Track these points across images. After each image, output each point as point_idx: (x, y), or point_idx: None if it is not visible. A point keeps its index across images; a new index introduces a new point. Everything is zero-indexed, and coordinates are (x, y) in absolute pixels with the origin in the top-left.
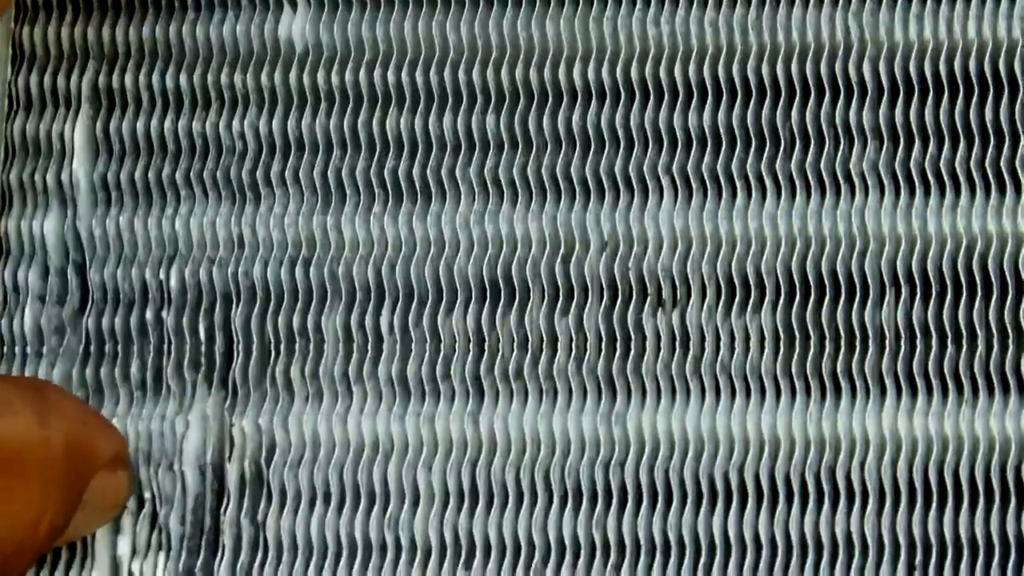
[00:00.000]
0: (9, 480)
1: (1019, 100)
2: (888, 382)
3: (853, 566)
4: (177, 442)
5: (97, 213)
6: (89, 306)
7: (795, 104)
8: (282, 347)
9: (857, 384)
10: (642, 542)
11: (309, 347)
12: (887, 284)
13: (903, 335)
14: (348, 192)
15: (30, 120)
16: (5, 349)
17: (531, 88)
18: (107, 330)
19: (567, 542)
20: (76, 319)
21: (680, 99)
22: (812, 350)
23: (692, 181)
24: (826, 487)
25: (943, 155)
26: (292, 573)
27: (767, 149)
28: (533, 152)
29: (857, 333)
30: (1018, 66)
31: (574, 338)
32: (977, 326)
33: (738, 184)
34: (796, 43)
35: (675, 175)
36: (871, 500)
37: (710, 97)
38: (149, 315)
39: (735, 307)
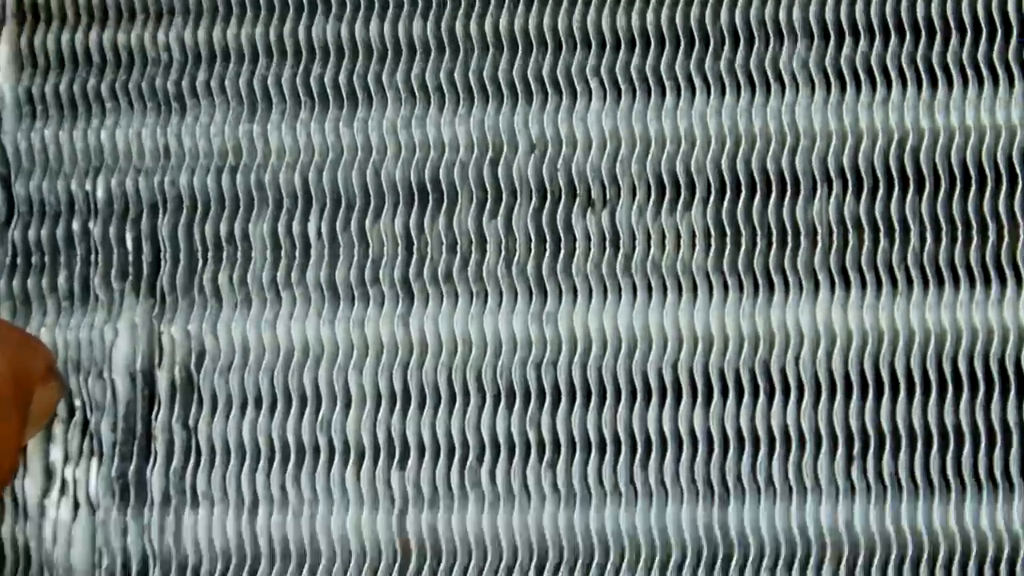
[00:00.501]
0: None
1: None
2: (821, 276)
3: (790, 459)
4: (106, 350)
5: (22, 127)
6: (15, 219)
7: (724, 3)
8: (210, 255)
9: (790, 279)
10: (577, 440)
11: (237, 254)
12: (818, 180)
13: (835, 230)
14: (274, 100)
15: None
16: None
17: None
18: (33, 242)
19: (501, 441)
20: (2, 232)
21: (608, 1)
22: (744, 246)
23: (621, 82)
24: (761, 382)
25: (873, 51)
26: (225, 477)
27: (695, 49)
28: (460, 56)
29: (788, 229)
30: None
31: (503, 240)
32: (910, 220)
33: (667, 84)
34: None
35: (603, 76)
36: (807, 393)
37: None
38: (76, 226)
39: (665, 205)
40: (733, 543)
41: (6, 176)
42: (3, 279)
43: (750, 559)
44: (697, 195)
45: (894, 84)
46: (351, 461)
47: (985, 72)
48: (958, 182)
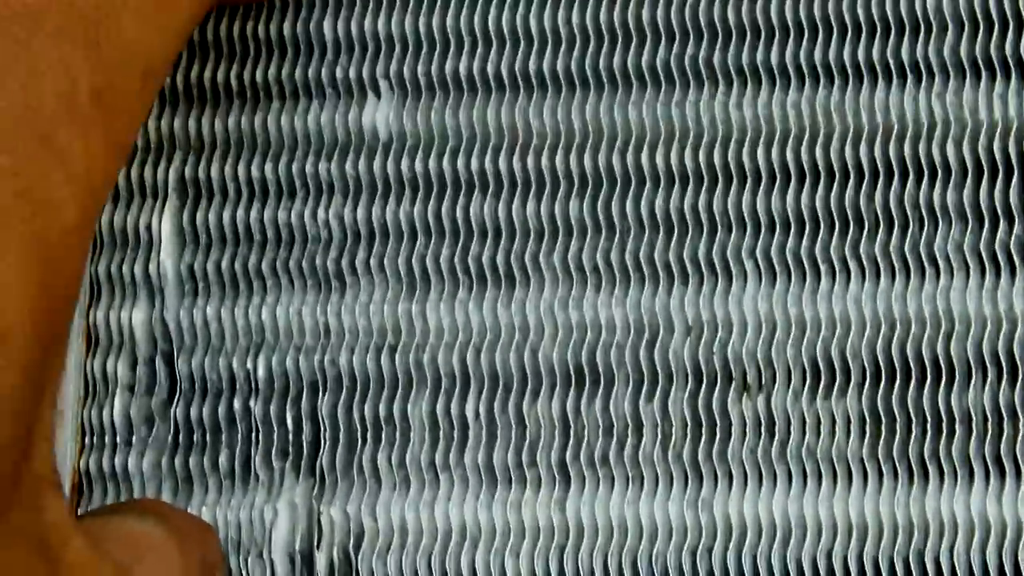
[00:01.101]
0: None
1: None
2: (976, 466)
3: None
4: (266, 530)
5: (184, 303)
6: (177, 396)
7: (879, 186)
8: (369, 435)
9: (944, 468)
10: None
11: (396, 434)
12: (974, 367)
13: (990, 418)
14: (433, 279)
15: (118, 211)
16: (95, 439)
17: (614, 173)
18: (195, 420)
19: None
20: (164, 409)
21: (763, 182)
22: (899, 434)
23: (776, 265)
24: (915, 571)
25: None
26: None
27: (851, 232)
28: (617, 237)
29: (944, 416)
30: None
31: (659, 424)
32: None
33: (822, 267)
34: (879, 124)
35: (759, 259)
36: (959, 572)
37: (793, 180)
38: (237, 404)
39: (820, 391)
40: None
41: (169, 353)
42: (165, 457)
43: None
44: (852, 381)
45: None
46: None
47: None
48: None
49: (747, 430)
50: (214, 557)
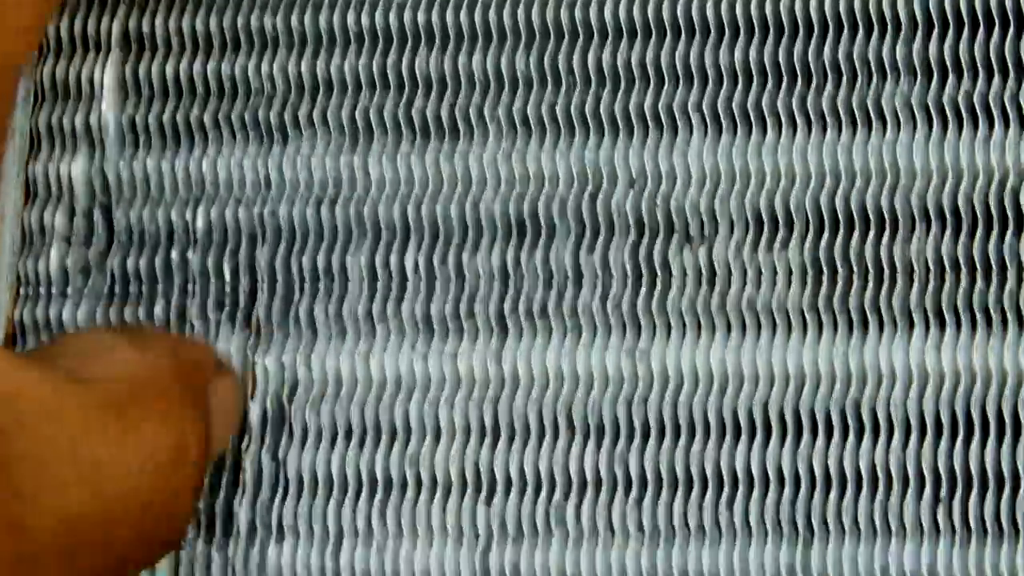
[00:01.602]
0: (138, 412)
1: None
2: (916, 317)
3: (877, 500)
4: None
5: (125, 155)
6: (114, 247)
7: (827, 40)
8: (306, 286)
9: (885, 318)
10: (664, 477)
11: (333, 286)
12: (918, 218)
13: (932, 269)
14: (376, 132)
15: (60, 64)
16: (31, 290)
17: (561, 26)
18: (132, 271)
19: (589, 478)
20: (101, 260)
21: (711, 36)
22: (840, 284)
23: (722, 118)
24: (851, 421)
25: (976, 88)
26: (312, 509)
27: (798, 85)
28: (562, 90)
29: (886, 268)
30: None
31: (600, 275)
32: (1008, 260)
33: (768, 120)
34: None
35: (705, 111)
36: (896, 434)
37: (742, 33)
38: (174, 255)
39: (763, 242)
40: None
41: (108, 205)
42: (101, 308)
43: None
44: (795, 232)
45: (996, 122)
46: (438, 496)
47: None
48: None
49: (688, 281)
50: (199, 355)
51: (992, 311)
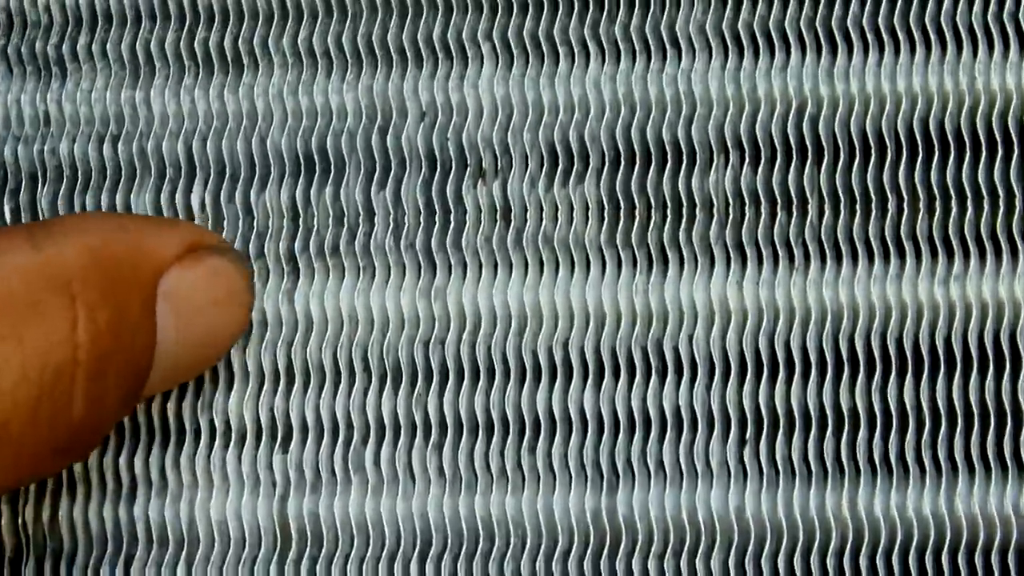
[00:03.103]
0: (12, 317)
1: None
2: (717, 251)
3: (682, 441)
4: None
5: None
6: None
7: None
8: None
9: (685, 254)
10: (464, 422)
11: None
12: (715, 150)
13: (732, 203)
14: (158, 65)
15: None
16: None
17: None
18: None
19: (386, 423)
20: None
21: None
22: (638, 220)
23: (513, 47)
24: (653, 360)
25: (772, 15)
26: (102, 460)
27: (590, 12)
28: (348, 20)
29: (684, 201)
30: None
31: (392, 212)
32: (808, 193)
33: (561, 50)
34: None
35: (496, 41)
36: (700, 373)
37: None
38: None
39: (558, 177)
40: (621, 529)
41: None
42: None
43: (639, 545)
44: (591, 166)
45: (793, 50)
46: (232, 443)
47: (886, 38)
48: (857, 153)
49: (482, 217)
50: (141, 242)
51: (794, 245)
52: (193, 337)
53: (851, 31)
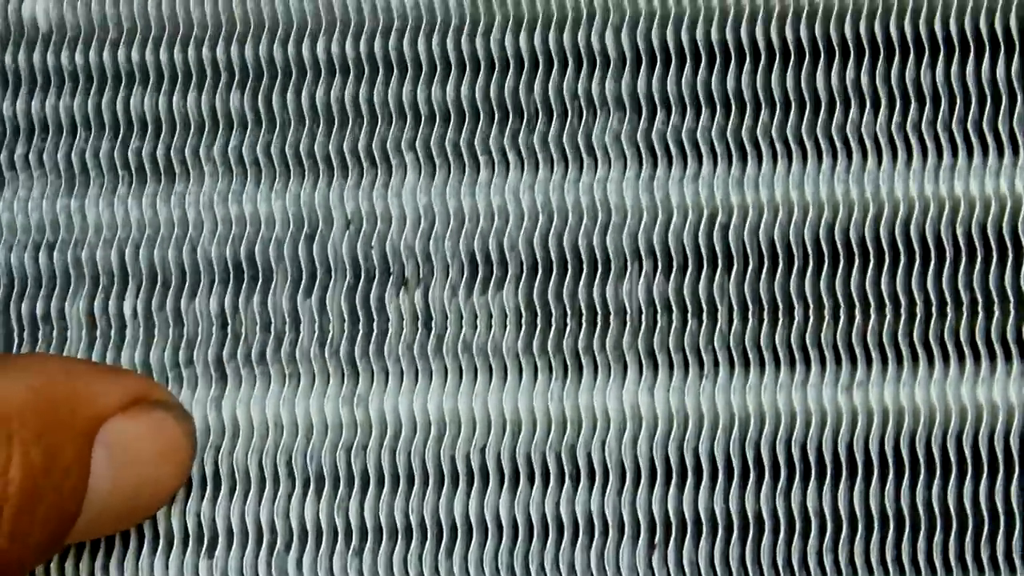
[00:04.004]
0: None
1: (747, 68)
2: (629, 358)
3: (594, 546)
4: None
5: None
6: None
7: (537, 76)
8: (26, 334)
9: (599, 361)
10: (384, 527)
11: (53, 333)
12: (629, 258)
13: (644, 311)
14: (92, 174)
15: None
16: None
17: (275, 64)
18: None
19: (309, 527)
20: None
21: (424, 72)
22: (555, 327)
23: (435, 156)
24: (567, 466)
25: (685, 125)
26: None
27: (510, 122)
28: (277, 130)
29: (599, 310)
30: (744, 34)
31: (317, 319)
32: (718, 301)
33: (481, 159)
34: (539, 12)
35: (418, 150)
36: (611, 478)
37: (453, 70)
38: None
39: (477, 284)
40: None
41: None
42: None
43: None
44: (509, 273)
45: (705, 159)
46: (159, 549)
47: (794, 147)
48: (766, 260)
49: (404, 324)
50: (86, 389)
51: (703, 352)
52: (128, 487)
53: (760, 141)
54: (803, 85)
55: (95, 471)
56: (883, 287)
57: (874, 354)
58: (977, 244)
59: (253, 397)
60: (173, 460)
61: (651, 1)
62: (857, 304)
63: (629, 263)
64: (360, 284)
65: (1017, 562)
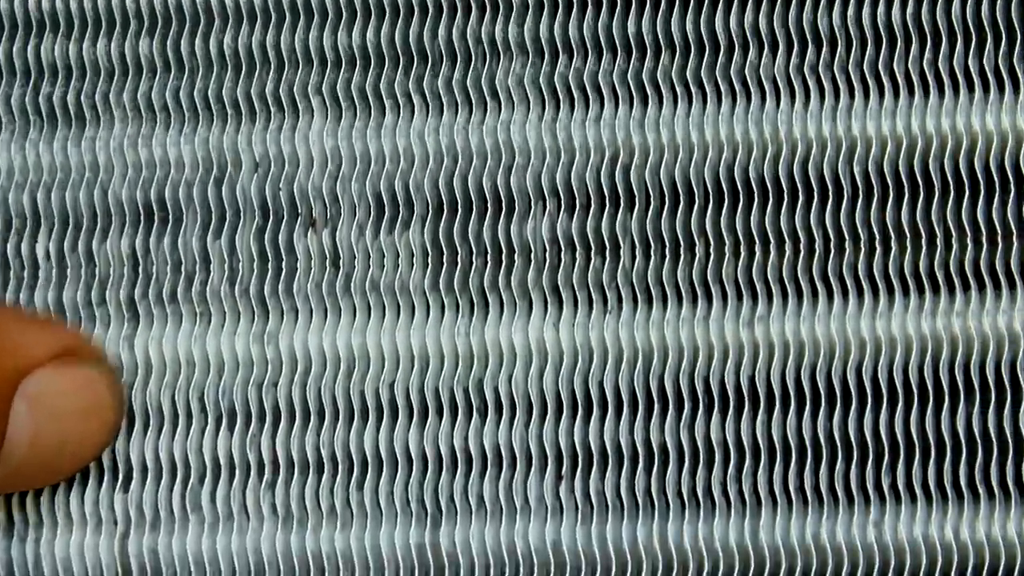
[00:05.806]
0: None
1: (647, 13)
2: (535, 295)
3: (502, 478)
4: None
5: None
6: None
7: (442, 21)
8: None
9: (504, 298)
10: (295, 460)
11: None
12: (533, 198)
13: (549, 248)
14: (4, 120)
15: None
16: None
17: (183, 11)
18: None
19: (222, 461)
20: None
21: (330, 18)
22: (460, 265)
23: (341, 100)
24: (475, 400)
25: (587, 68)
26: None
27: (415, 67)
28: (186, 75)
29: (504, 247)
30: None
31: (227, 260)
32: (620, 238)
33: (386, 103)
34: None
35: (325, 94)
36: (519, 412)
37: (359, 16)
38: None
39: (384, 224)
40: (444, 563)
41: None
42: None
43: None
44: (415, 213)
45: (606, 101)
46: (75, 484)
47: (694, 89)
48: (667, 199)
49: (313, 264)
50: (11, 346)
51: (607, 288)
52: (50, 443)
53: (660, 83)
54: (702, 28)
55: (14, 423)
56: (782, 224)
57: (774, 289)
58: (874, 181)
59: (165, 335)
60: (98, 418)
61: None
62: (757, 241)
63: (533, 202)
64: (269, 225)
65: (912, 490)
